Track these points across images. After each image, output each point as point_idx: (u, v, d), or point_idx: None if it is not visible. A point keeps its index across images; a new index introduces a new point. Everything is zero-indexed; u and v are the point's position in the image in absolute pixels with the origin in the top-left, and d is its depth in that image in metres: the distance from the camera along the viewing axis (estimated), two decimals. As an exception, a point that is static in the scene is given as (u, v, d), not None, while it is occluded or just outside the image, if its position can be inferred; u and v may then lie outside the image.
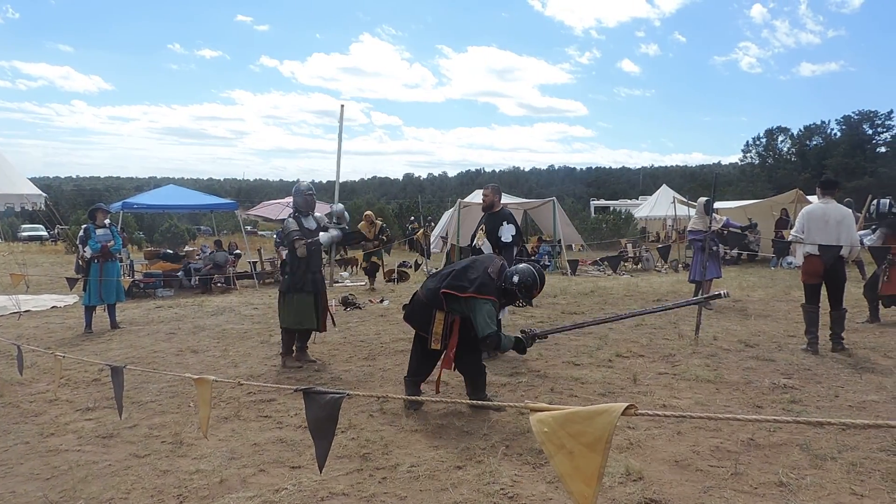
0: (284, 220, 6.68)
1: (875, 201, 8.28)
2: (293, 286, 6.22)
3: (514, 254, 6.65)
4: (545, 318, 8.71)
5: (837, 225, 6.20)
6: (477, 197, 16.21)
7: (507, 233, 6.50)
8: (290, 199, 17.76)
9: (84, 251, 8.72)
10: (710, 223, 8.48)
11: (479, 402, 3.12)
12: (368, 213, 14.74)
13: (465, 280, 4.49)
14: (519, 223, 7.06)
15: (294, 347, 6.42)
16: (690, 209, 18.67)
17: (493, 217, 6.69)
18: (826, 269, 6.26)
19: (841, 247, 6.18)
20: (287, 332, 6.34)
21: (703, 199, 9.87)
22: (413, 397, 4.51)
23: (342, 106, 6.87)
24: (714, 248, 9.07)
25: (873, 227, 8.19)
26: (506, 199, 16.60)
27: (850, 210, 6.66)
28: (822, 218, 6.26)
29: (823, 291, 6.47)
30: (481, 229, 6.71)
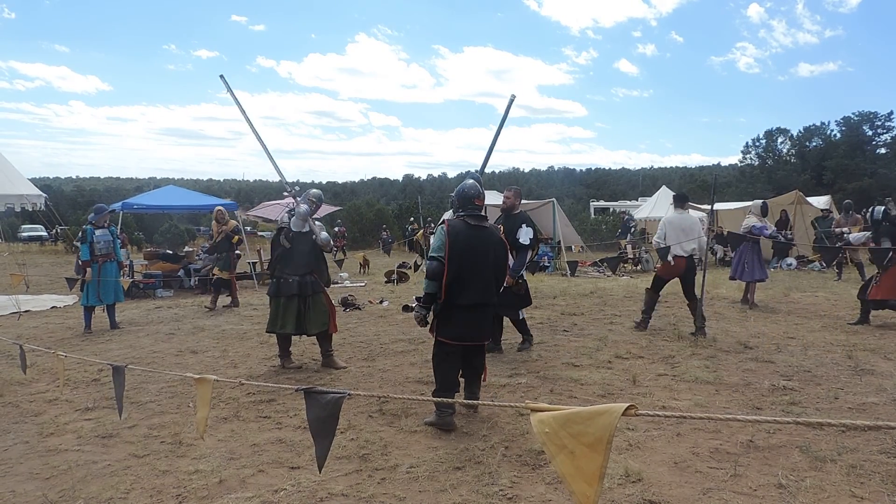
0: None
1: (871, 207, 8.41)
2: (277, 290, 6.16)
3: (529, 256, 6.73)
4: (545, 319, 8.71)
5: (690, 231, 7.51)
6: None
7: (524, 235, 6.54)
8: (289, 200, 17.82)
9: (79, 256, 8.75)
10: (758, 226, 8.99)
11: (480, 402, 3.11)
12: (219, 208, 11.58)
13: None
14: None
15: (320, 354, 6.39)
16: (690, 210, 18.66)
17: (512, 219, 6.70)
18: (687, 268, 7.46)
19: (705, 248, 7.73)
20: (279, 335, 6.28)
21: (758, 202, 10.37)
22: (450, 409, 4.39)
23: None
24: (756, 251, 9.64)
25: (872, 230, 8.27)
26: (505, 199, 16.65)
27: (699, 218, 8.05)
28: (678, 226, 7.54)
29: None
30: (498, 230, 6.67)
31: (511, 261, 6.54)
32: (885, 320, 8.09)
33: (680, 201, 8.06)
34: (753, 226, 9.67)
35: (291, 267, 6.15)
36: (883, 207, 8.14)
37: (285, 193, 6.33)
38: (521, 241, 6.54)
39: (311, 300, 6.19)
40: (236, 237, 11.01)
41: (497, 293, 4.67)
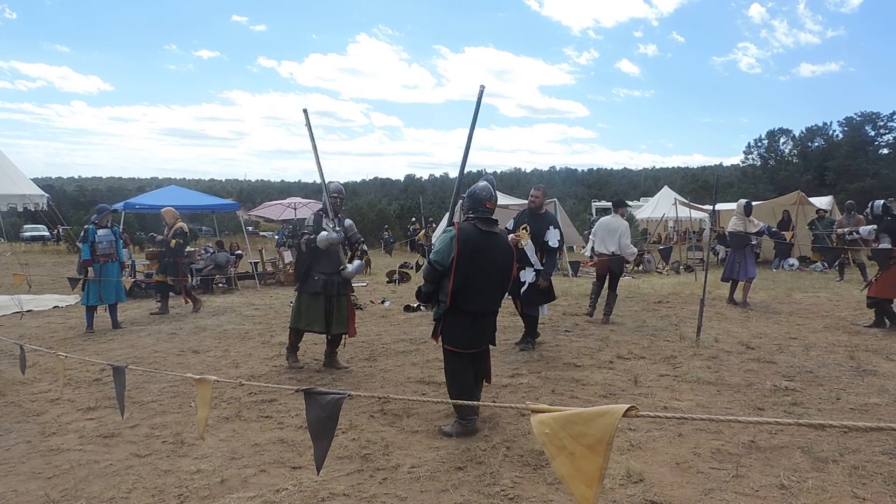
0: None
1: (871, 203, 8.43)
2: (303, 286, 6.13)
3: (557, 257, 6.71)
4: (546, 320, 8.69)
5: (615, 233, 8.38)
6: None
7: (553, 237, 6.50)
8: (291, 200, 17.84)
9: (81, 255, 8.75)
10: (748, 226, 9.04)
11: (481, 402, 3.11)
12: (167, 208, 10.98)
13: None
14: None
15: (324, 354, 6.37)
16: (692, 211, 18.66)
17: (539, 219, 6.62)
18: (610, 264, 8.37)
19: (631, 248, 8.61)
20: (294, 331, 6.26)
21: (743, 201, 10.34)
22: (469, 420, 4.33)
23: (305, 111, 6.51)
24: (755, 249, 9.82)
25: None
26: (508, 199, 16.67)
27: (627, 225, 8.66)
28: (608, 228, 8.52)
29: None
30: (525, 229, 6.62)
31: (535, 261, 6.54)
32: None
33: (615, 206, 8.86)
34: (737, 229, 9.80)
35: (318, 265, 6.09)
36: (882, 202, 8.11)
37: (324, 229, 6.13)
38: (550, 243, 6.48)
39: (336, 300, 6.12)
40: (173, 241, 10.34)
41: (501, 300, 4.60)
